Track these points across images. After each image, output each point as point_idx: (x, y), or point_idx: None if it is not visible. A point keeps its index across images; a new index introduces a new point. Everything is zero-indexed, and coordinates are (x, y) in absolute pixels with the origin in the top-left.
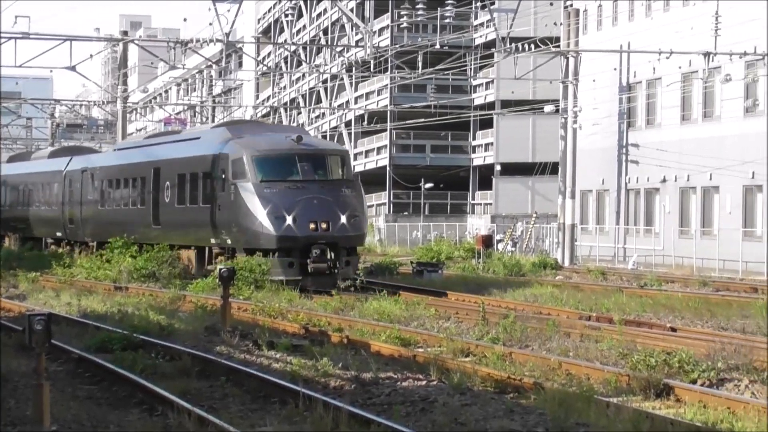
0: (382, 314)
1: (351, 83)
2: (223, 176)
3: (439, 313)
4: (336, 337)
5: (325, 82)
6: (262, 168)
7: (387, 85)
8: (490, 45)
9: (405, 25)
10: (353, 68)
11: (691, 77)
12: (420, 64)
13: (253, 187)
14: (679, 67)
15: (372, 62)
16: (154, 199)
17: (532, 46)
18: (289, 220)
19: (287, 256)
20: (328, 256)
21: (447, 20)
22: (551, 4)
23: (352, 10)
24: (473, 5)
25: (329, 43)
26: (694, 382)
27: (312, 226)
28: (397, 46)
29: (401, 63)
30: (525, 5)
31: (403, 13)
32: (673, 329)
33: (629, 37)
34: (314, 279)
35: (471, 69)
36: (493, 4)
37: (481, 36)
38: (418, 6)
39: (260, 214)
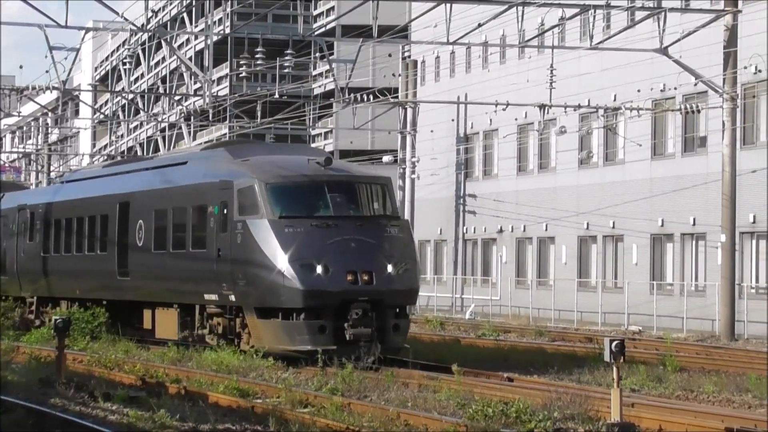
0: (220, 365)
1: (189, 132)
2: (225, 211)
3: (277, 364)
4: (173, 388)
5: (163, 130)
6: (280, 200)
7: (226, 134)
8: (329, 95)
9: (244, 74)
10: (192, 117)
11: (526, 129)
12: (259, 114)
13: (270, 225)
14: (515, 119)
15: (211, 111)
16: (120, 243)
17: (371, 96)
18: (319, 269)
19: (317, 317)
20: (373, 318)
21: (286, 70)
22: (390, 56)
23: (190, 59)
24: (312, 56)
25: (167, 91)
26: (531, 431)
27: (350, 277)
28: (236, 95)
29: (240, 112)
30: (364, 56)
31: (242, 62)
32: (510, 379)
33: (466, 89)
34: (353, 348)
35: (310, 119)
36: (332, 54)
37: (320, 86)
38: (257, 56)
39: (280, 260)
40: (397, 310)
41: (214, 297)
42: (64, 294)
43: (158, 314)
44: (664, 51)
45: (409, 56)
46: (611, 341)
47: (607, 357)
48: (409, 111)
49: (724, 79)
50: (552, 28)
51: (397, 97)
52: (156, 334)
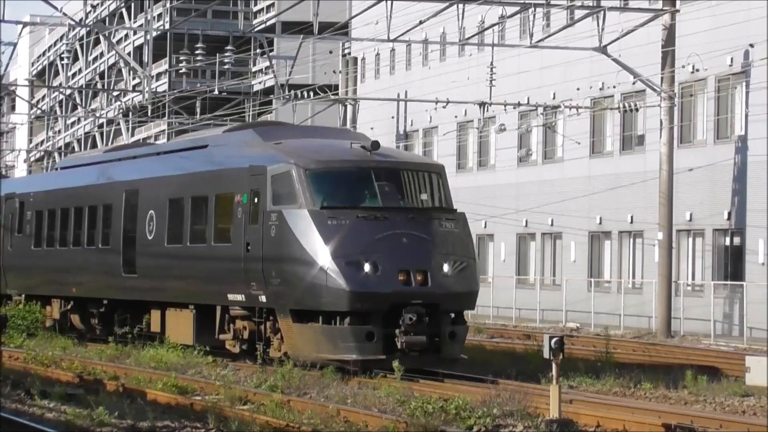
0: (159, 362)
1: (128, 128)
2: (256, 200)
3: (218, 360)
4: (112, 386)
5: (101, 126)
6: (322, 188)
7: (164, 130)
8: (269, 91)
9: (183, 70)
10: (130, 113)
11: (466, 126)
12: (198, 110)
13: (311, 216)
14: (455, 117)
15: (149, 107)
16: (126, 236)
17: (311, 93)
18: (367, 267)
19: (364, 322)
20: (427, 324)
21: (226, 66)
22: (330, 52)
23: (129, 54)
24: (252, 52)
25: (106, 87)
26: (470, 428)
27: (402, 277)
28: (175, 91)
29: (179, 108)
30: (304, 53)
31: (181, 58)
32: (451, 376)
33: (406, 86)
34: (405, 359)
35: (249, 115)
36: (272, 51)
37: (260, 82)
38: (197, 52)
39: (322, 256)
40: (453, 315)
41: (240, 297)
42: (57, 292)
43: (170, 316)
44: (603, 50)
45: (350, 53)
46: (551, 338)
47: (546, 354)
48: (350, 108)
49: (662, 78)
50: (492, 26)
51: (337, 94)
52: (166, 338)
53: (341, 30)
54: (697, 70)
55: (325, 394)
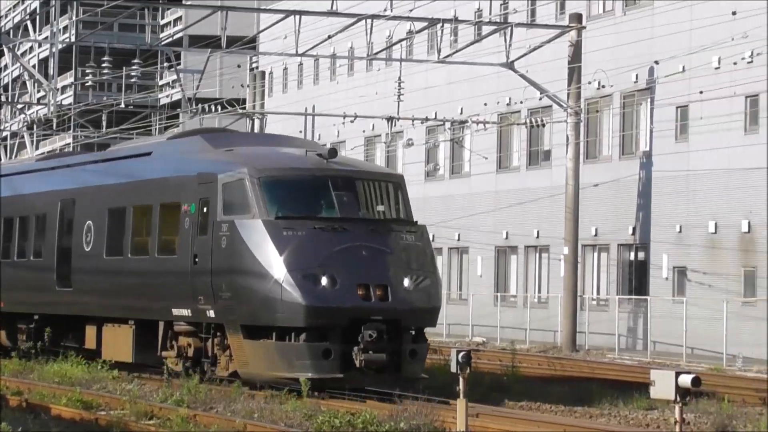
0: (63, 376)
1: (32, 141)
2: (205, 210)
3: (122, 375)
4: (15, 401)
5: (4, 139)
6: (276, 197)
7: (70, 143)
8: (176, 105)
9: (90, 83)
10: (35, 126)
11: (374, 141)
12: (104, 123)
13: (265, 226)
14: (363, 131)
15: (54, 120)
16: (60, 248)
17: (219, 107)
18: (324, 281)
19: (321, 339)
20: (387, 341)
21: (133, 79)
22: (238, 66)
23: (34, 67)
24: (159, 65)
25: (10, 99)
26: None
27: (361, 292)
28: (81, 104)
29: (85, 122)
30: (211, 66)
31: (87, 71)
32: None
33: (314, 101)
34: (363, 378)
35: (156, 129)
36: (179, 64)
37: (167, 96)
38: (103, 65)
39: (277, 269)
40: (413, 332)
41: (185, 312)
42: None
43: (107, 332)
44: (510, 65)
45: (257, 67)
46: (458, 352)
47: (453, 368)
48: (257, 122)
49: (568, 94)
50: (400, 42)
51: (244, 107)
52: (103, 355)
53: (249, 44)
54: (603, 87)
55: (231, 409)
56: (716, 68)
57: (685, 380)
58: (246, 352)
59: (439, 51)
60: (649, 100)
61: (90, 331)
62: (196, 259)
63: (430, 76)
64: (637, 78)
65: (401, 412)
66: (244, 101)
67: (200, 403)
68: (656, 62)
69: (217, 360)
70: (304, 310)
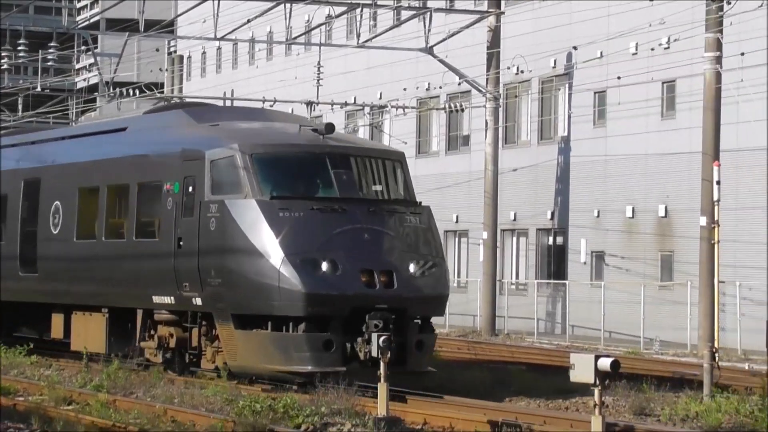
0: None
1: None
2: (191, 189)
3: (41, 360)
4: None
5: None
6: (271, 175)
7: None
8: (93, 89)
9: (5, 66)
10: None
11: None
12: (20, 107)
13: (259, 206)
14: None
15: None
16: (24, 231)
17: (137, 91)
18: (324, 266)
19: (321, 329)
20: (392, 332)
21: (49, 63)
22: (156, 50)
23: None
24: (76, 49)
25: None
26: (298, 427)
27: (364, 278)
28: None
29: (1, 105)
30: (129, 50)
31: (3, 54)
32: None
33: (233, 85)
34: (367, 371)
35: (73, 113)
36: (96, 48)
37: (84, 79)
38: (19, 48)
39: (274, 253)
40: (421, 321)
41: (167, 300)
42: None
43: (76, 321)
44: (429, 50)
45: (176, 51)
46: (378, 337)
47: (374, 352)
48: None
49: (487, 79)
50: (319, 26)
51: (163, 92)
52: (72, 345)
53: (167, 28)
54: (522, 72)
55: (151, 394)
56: (633, 54)
57: (605, 364)
58: (237, 343)
59: (358, 36)
60: (567, 85)
61: (57, 320)
62: (181, 243)
63: (349, 60)
64: (555, 63)
65: (322, 396)
66: (162, 85)
67: (120, 389)
68: (574, 48)
69: (202, 351)
70: (304, 298)
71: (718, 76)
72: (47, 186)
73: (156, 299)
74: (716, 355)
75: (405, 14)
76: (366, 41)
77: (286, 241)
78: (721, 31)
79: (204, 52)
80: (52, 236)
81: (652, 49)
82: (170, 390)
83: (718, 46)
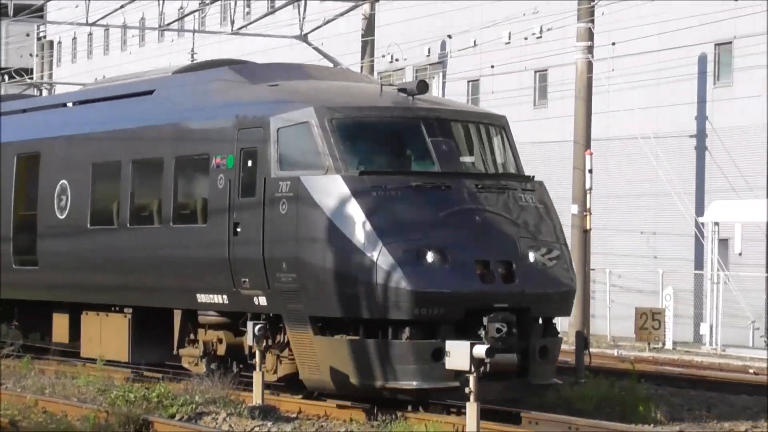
0: None
1: None
2: (250, 164)
3: None
4: None
5: None
6: (357, 146)
7: None
8: None
9: None
10: None
11: None
12: None
13: (347, 183)
14: None
15: None
16: (17, 215)
17: (6, 77)
18: (430, 257)
19: (429, 335)
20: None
21: None
22: (27, 35)
23: None
24: None
25: None
26: (173, 416)
27: (479, 271)
28: None
29: None
30: None
31: None
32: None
33: (104, 71)
34: (488, 386)
35: None
36: None
37: None
38: None
39: (368, 242)
40: (544, 323)
41: (218, 299)
42: None
43: (88, 323)
44: (304, 38)
45: (45, 36)
46: (254, 324)
47: (250, 341)
48: (45, 92)
49: (361, 67)
50: (193, 12)
51: (32, 77)
52: (82, 352)
53: (37, 12)
54: (396, 60)
55: (21, 385)
56: (507, 43)
57: (480, 351)
58: (319, 352)
59: (232, 23)
60: (441, 73)
61: (60, 321)
62: (238, 229)
63: (223, 47)
64: (429, 52)
65: (196, 385)
66: (31, 71)
67: None
68: (449, 36)
69: (263, 361)
70: (411, 297)
71: (589, 66)
72: (48, 162)
73: (202, 298)
74: (588, 341)
75: (279, 1)
76: (240, 28)
77: (384, 227)
78: (592, 21)
79: (75, 38)
80: (57, 221)
81: (525, 39)
82: (41, 380)
83: (590, 35)
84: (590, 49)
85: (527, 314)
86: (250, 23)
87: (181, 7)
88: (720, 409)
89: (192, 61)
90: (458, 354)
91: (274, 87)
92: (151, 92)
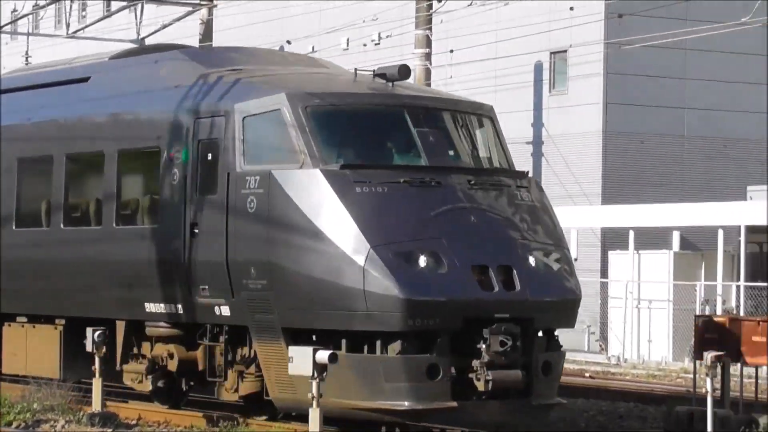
0: None
1: None
2: (209, 157)
3: None
4: None
5: None
6: (335, 137)
7: None
8: None
9: None
10: None
11: None
12: None
13: (327, 179)
14: None
15: None
16: None
17: None
18: (423, 261)
19: (421, 350)
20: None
21: None
22: None
23: None
24: None
25: None
26: (9, 424)
27: (476, 277)
28: None
29: None
30: None
31: None
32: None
33: None
34: (485, 407)
35: None
36: None
37: None
38: None
39: (354, 244)
40: (546, 335)
41: (170, 309)
42: None
43: (9, 335)
44: (140, 42)
45: None
46: (93, 331)
47: (89, 347)
48: None
49: None
50: (27, 15)
51: None
52: (3, 368)
53: None
54: None
55: None
56: (345, 49)
57: (323, 356)
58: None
59: (67, 26)
60: None
61: None
62: (195, 230)
63: (57, 51)
64: None
65: (34, 393)
66: None
67: None
68: (288, 42)
69: (218, 376)
70: (403, 306)
71: (427, 73)
72: None
73: (151, 307)
74: None
75: (115, 5)
76: (76, 32)
77: (371, 227)
78: (430, 29)
79: None
80: None
81: (364, 45)
82: None
83: (428, 43)
84: (428, 56)
85: (530, 326)
86: (86, 27)
87: (15, 9)
88: (558, 413)
89: (26, 64)
90: (301, 359)
91: (237, 71)
92: (86, 79)
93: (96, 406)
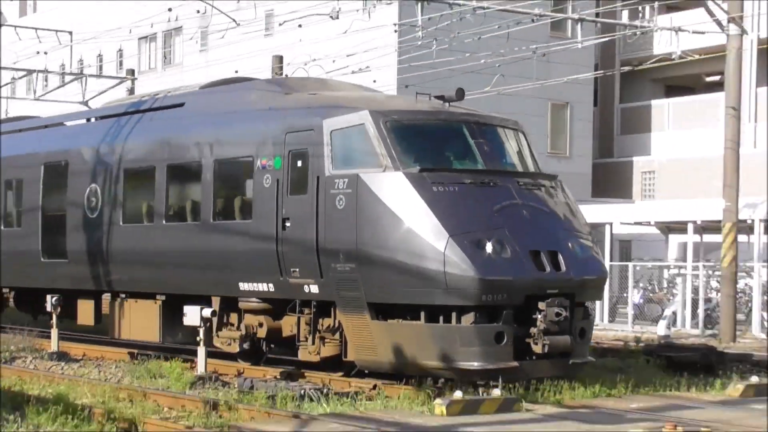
0: None
1: None
2: (299, 164)
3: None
4: None
5: None
6: (412, 146)
7: None
8: None
9: None
10: None
11: None
12: None
13: (410, 180)
14: None
15: None
16: (46, 214)
17: None
18: (489, 248)
19: (490, 320)
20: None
21: None
22: None
23: None
24: None
25: None
26: None
27: (533, 260)
28: None
29: None
30: None
31: None
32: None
33: None
34: (542, 366)
35: None
36: None
37: None
38: None
39: (435, 233)
40: (582, 308)
41: (263, 287)
42: None
43: (113, 306)
44: (85, 104)
45: None
46: (51, 297)
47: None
48: None
49: None
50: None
51: None
52: (116, 334)
53: None
54: None
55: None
56: None
57: (207, 312)
58: (376, 336)
59: (34, 92)
60: None
61: (85, 306)
62: (286, 224)
63: (28, 109)
64: None
65: (12, 339)
66: None
67: None
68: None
69: (299, 341)
70: (478, 284)
71: None
72: (76, 168)
73: (245, 286)
74: None
75: (68, 78)
76: (41, 96)
77: (448, 220)
78: None
79: None
80: (88, 220)
81: None
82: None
83: None
84: None
85: (573, 299)
86: (48, 92)
87: None
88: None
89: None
90: (192, 315)
91: (315, 96)
92: (181, 105)
93: (54, 347)
